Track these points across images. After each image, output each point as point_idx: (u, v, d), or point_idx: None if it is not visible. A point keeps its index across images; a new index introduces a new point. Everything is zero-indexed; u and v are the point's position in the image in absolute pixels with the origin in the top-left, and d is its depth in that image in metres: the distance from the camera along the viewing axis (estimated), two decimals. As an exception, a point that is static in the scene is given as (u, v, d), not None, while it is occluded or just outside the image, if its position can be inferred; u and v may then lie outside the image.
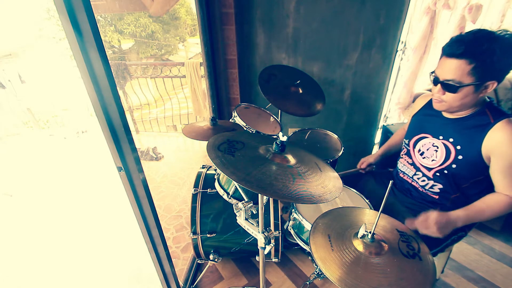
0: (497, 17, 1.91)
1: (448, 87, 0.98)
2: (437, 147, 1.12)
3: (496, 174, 1.02)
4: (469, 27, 1.91)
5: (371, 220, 0.87)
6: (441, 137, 1.12)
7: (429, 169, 1.16)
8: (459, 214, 1.02)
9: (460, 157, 1.06)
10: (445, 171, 1.11)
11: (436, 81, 1.02)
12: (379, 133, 2.25)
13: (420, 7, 1.96)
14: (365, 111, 2.06)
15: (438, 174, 1.14)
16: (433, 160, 1.14)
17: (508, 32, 0.90)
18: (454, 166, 1.08)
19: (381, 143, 2.09)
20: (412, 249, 0.76)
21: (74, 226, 2.27)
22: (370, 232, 0.74)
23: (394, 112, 2.34)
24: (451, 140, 1.09)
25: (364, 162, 1.49)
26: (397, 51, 1.83)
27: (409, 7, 1.70)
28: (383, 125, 2.12)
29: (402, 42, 2.03)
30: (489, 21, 1.94)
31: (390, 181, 0.71)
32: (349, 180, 1.45)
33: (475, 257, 1.72)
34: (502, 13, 1.89)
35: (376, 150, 2.46)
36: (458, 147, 1.06)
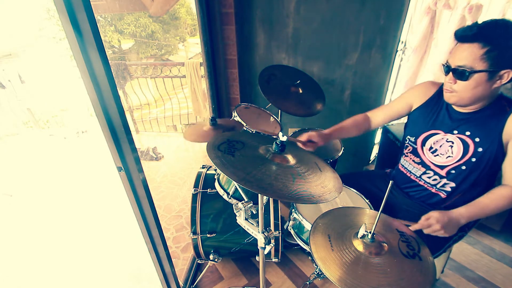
0: (497, 17, 1.91)
1: (459, 74, 0.92)
2: (452, 142, 1.07)
3: (509, 162, 0.98)
4: (469, 27, 1.90)
5: (371, 220, 0.87)
6: (455, 132, 1.06)
7: (442, 167, 1.11)
8: (461, 212, 0.98)
9: (480, 149, 1.01)
10: (463, 167, 1.06)
11: (447, 69, 0.97)
12: (379, 133, 2.25)
13: (420, 7, 1.96)
14: (365, 111, 2.06)
15: (453, 171, 1.09)
16: (448, 156, 1.08)
17: None
18: (473, 159, 1.03)
19: (381, 143, 2.09)
20: (412, 249, 0.76)
21: (74, 226, 2.27)
22: (370, 232, 0.74)
23: (394, 112, 2.34)
24: (467, 133, 1.03)
25: (305, 135, 1.13)
26: (397, 51, 1.83)
27: (409, 7, 1.69)
28: (383, 125, 2.12)
29: (402, 42, 2.03)
30: (489, 21, 1.94)
31: (390, 182, 0.71)
32: (349, 180, 1.45)
33: (475, 257, 1.72)
34: (502, 13, 1.88)
35: (376, 150, 2.46)
36: (477, 140, 1.01)
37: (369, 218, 0.88)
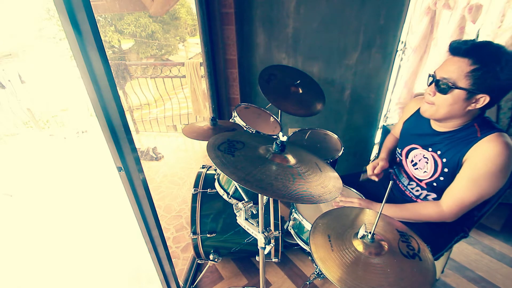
0: (497, 17, 1.90)
1: (441, 86, 0.94)
2: (427, 159, 1.11)
3: (454, 182, 1.01)
4: (469, 27, 1.90)
5: (371, 220, 0.87)
6: (430, 149, 1.10)
7: (421, 180, 1.16)
8: (386, 209, 1.11)
9: (446, 169, 1.05)
10: (434, 184, 1.10)
11: (432, 80, 0.99)
12: (379, 133, 2.25)
13: (420, 7, 1.96)
14: (365, 111, 2.06)
15: (428, 185, 1.14)
16: (424, 171, 1.13)
17: None
18: (441, 178, 1.07)
19: (381, 143, 2.09)
20: (412, 249, 0.76)
21: (74, 226, 2.27)
22: (370, 232, 0.74)
23: (394, 112, 2.34)
24: (439, 152, 1.07)
25: (376, 167, 1.26)
26: (397, 51, 1.83)
27: (409, 7, 1.70)
28: (383, 125, 2.12)
29: (402, 42, 2.02)
30: (489, 21, 1.93)
31: (390, 182, 0.71)
32: (349, 180, 1.45)
33: (475, 257, 1.72)
34: (502, 13, 1.88)
35: (376, 150, 2.46)
36: (444, 160, 1.05)
37: (369, 218, 0.88)
